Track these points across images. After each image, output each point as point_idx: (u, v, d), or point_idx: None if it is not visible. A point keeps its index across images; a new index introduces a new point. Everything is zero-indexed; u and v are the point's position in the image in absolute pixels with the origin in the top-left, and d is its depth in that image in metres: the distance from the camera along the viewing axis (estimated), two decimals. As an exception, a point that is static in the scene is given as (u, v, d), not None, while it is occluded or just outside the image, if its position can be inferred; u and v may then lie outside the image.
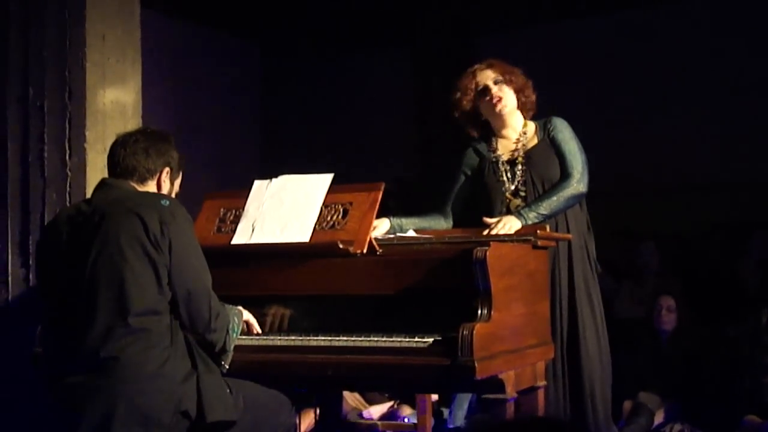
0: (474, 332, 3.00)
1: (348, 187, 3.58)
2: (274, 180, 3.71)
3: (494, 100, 4.04)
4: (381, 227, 3.82)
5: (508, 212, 3.93)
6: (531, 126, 4.13)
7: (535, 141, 4.08)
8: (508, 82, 4.05)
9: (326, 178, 3.61)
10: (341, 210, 3.52)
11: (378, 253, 3.41)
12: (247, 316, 3.41)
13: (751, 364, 5.53)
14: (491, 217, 3.85)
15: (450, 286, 3.27)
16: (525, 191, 3.99)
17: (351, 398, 5.93)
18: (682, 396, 5.71)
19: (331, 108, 9.12)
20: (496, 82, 4.05)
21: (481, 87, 4.05)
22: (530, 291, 3.50)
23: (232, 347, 3.21)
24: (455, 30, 8.51)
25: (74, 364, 3.01)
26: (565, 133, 4.05)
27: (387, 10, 8.22)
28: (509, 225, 3.72)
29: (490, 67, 4.08)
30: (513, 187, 4.02)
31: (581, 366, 3.94)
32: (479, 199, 4.09)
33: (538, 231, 3.61)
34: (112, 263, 2.98)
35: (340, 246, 3.37)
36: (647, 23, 7.85)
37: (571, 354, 3.95)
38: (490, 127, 4.17)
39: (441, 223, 4.13)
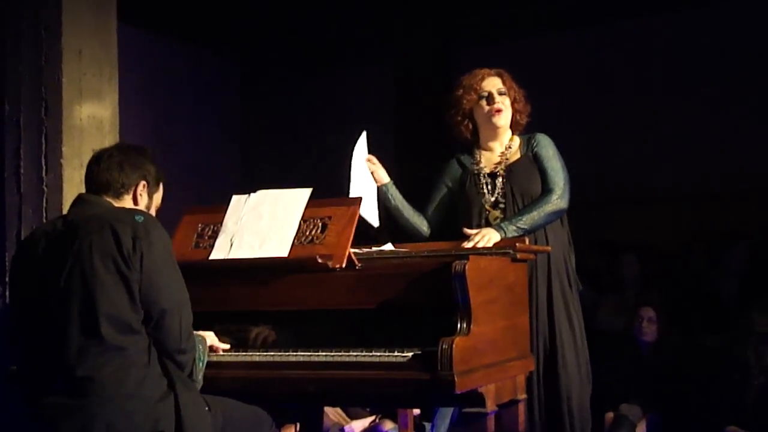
0: (453, 346, 2.98)
1: (326, 201, 3.57)
2: (252, 195, 3.69)
3: (493, 111, 4.07)
4: (382, 173, 4.12)
5: (487, 224, 3.95)
6: (516, 141, 4.16)
7: (518, 155, 4.10)
8: (511, 98, 4.10)
9: (305, 193, 3.60)
10: (320, 224, 3.51)
11: (357, 267, 3.40)
12: (211, 340, 3.37)
13: (731, 375, 5.54)
14: (470, 227, 3.86)
15: (429, 299, 3.26)
16: (504, 203, 4.01)
17: (332, 413, 5.91)
18: (663, 407, 5.72)
19: (311, 123, 9.10)
20: (500, 93, 4.10)
21: (485, 93, 4.09)
22: (510, 304, 3.50)
23: (199, 377, 3.16)
24: (436, 44, 8.52)
25: (50, 382, 2.97)
26: (548, 149, 4.07)
27: (367, 26, 8.23)
28: (488, 237, 3.73)
29: (499, 76, 4.13)
30: (492, 199, 4.04)
31: (558, 379, 3.95)
32: (459, 210, 4.11)
33: (518, 244, 3.61)
34: (84, 279, 2.95)
35: (319, 260, 3.35)
36: (631, 35, 7.87)
37: (548, 367, 3.96)
38: (476, 137, 4.16)
39: (423, 225, 4.18)
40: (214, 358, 3.34)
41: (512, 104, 4.11)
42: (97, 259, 2.96)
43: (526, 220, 3.86)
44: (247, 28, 8.26)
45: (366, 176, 4.10)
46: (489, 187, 4.06)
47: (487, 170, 4.10)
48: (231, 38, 8.52)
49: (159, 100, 8.10)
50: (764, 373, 5.39)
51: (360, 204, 3.53)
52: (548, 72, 8.01)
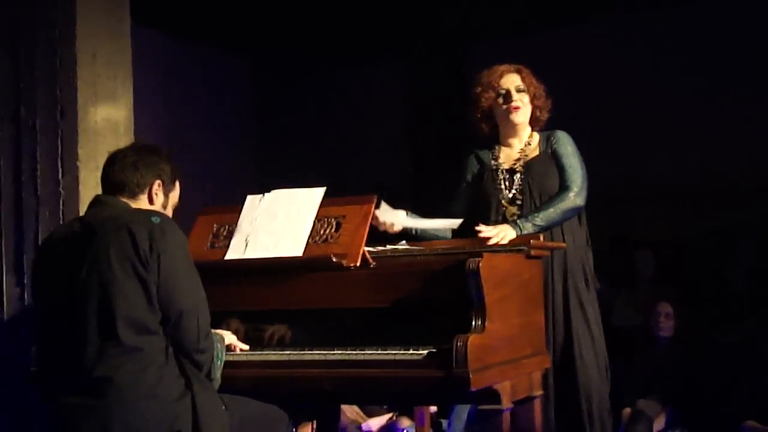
0: (468, 343, 2.99)
1: (340, 200, 3.58)
2: (266, 195, 3.70)
3: (511, 108, 4.06)
4: (400, 218, 3.87)
5: (504, 220, 3.94)
6: (536, 137, 4.15)
7: (537, 152, 4.10)
8: (530, 94, 4.09)
9: (318, 192, 3.61)
10: (334, 223, 3.52)
11: (371, 266, 3.41)
12: (229, 339, 3.38)
13: (748, 369, 5.53)
14: (486, 223, 3.85)
15: (444, 297, 3.26)
16: (521, 200, 4.00)
17: (350, 411, 5.93)
18: (681, 402, 5.70)
19: (326, 121, 9.12)
20: (518, 90, 4.08)
21: (503, 90, 4.08)
22: (525, 301, 3.50)
23: (218, 375, 3.18)
24: (449, 40, 8.52)
25: (69, 383, 3.00)
26: (567, 147, 4.06)
27: (380, 24, 8.23)
28: (503, 234, 3.72)
29: (518, 72, 4.11)
30: (510, 195, 4.03)
31: (577, 377, 3.93)
32: (476, 205, 4.10)
33: (532, 241, 3.61)
34: (101, 281, 2.97)
35: (334, 259, 3.37)
36: (648, 29, 7.86)
37: (566, 365, 3.95)
38: (496, 132, 4.17)
39: (455, 224, 4.06)
40: (231, 358, 3.36)
41: (531, 101, 4.09)
42: (114, 261, 2.98)
43: (543, 218, 3.86)
44: (259, 26, 8.27)
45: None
46: (507, 183, 4.05)
47: (505, 166, 4.10)
48: (244, 37, 8.54)
49: (173, 101, 8.13)
50: (782, 366, 5.39)
51: (374, 202, 3.53)
52: (563, 67, 7.98)
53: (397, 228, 3.88)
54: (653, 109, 7.74)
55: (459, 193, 4.20)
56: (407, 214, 3.93)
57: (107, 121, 4.32)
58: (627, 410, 5.68)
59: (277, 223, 3.58)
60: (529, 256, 3.55)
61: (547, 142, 4.09)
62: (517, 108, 4.06)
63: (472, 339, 3.02)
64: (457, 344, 3.00)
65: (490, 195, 4.07)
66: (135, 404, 2.90)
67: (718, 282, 6.82)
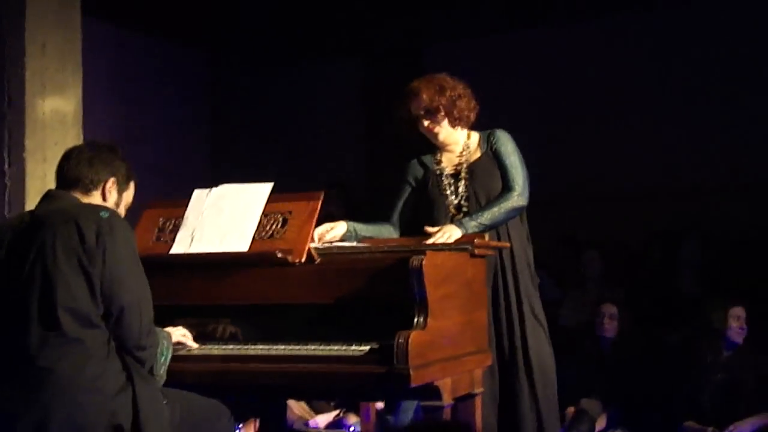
0: (409, 340, 3.03)
1: (287, 196, 3.59)
2: (213, 189, 3.71)
3: (429, 132, 4.09)
4: (338, 229, 3.85)
5: (451, 223, 3.97)
6: (474, 138, 4.16)
7: (478, 154, 4.11)
8: (438, 110, 4.03)
9: (266, 187, 3.62)
10: (280, 219, 3.54)
11: (316, 262, 3.43)
12: (177, 336, 3.38)
13: (690, 370, 5.62)
14: (433, 223, 3.89)
15: (388, 294, 3.30)
16: (467, 206, 4.03)
17: (297, 407, 5.94)
18: (623, 402, 5.78)
19: (281, 117, 9.11)
20: (427, 112, 4.04)
21: (414, 116, 4.07)
22: (468, 299, 3.54)
23: (161, 371, 3.18)
24: (406, 38, 8.55)
25: (9, 374, 2.99)
26: (507, 146, 4.09)
27: (338, 19, 8.24)
28: (449, 234, 3.76)
29: (416, 96, 4.04)
30: (456, 201, 4.05)
31: (537, 371, 3.99)
32: (422, 211, 4.11)
33: (476, 240, 3.65)
34: (45, 271, 2.97)
35: (279, 255, 3.39)
36: (598, 32, 7.93)
37: (515, 362, 4.00)
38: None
39: (391, 233, 4.13)
40: (175, 352, 3.36)
41: (447, 114, 4.04)
42: (60, 252, 2.98)
43: (487, 217, 3.90)
44: (215, 20, 8.25)
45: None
46: (452, 188, 4.07)
47: (448, 171, 4.11)
48: (199, 31, 8.50)
49: (126, 93, 8.06)
50: (721, 369, 5.47)
51: (321, 198, 3.55)
52: (515, 68, 8.08)
53: (338, 234, 3.87)
54: (603, 111, 7.83)
55: (400, 200, 4.19)
56: (347, 224, 3.93)
57: (55, 112, 4.30)
58: (570, 409, 5.74)
59: (223, 218, 3.59)
60: (473, 255, 3.59)
61: (487, 142, 4.11)
62: (431, 130, 4.07)
63: (414, 336, 3.06)
64: (398, 340, 3.04)
65: (435, 201, 4.08)
66: (75, 396, 2.90)
67: (664, 283, 6.92)
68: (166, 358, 3.22)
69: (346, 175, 8.34)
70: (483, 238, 3.76)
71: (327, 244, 3.73)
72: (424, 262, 3.18)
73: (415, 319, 3.16)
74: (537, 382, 4.00)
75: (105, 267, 2.98)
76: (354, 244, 3.82)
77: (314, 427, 5.79)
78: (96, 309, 2.98)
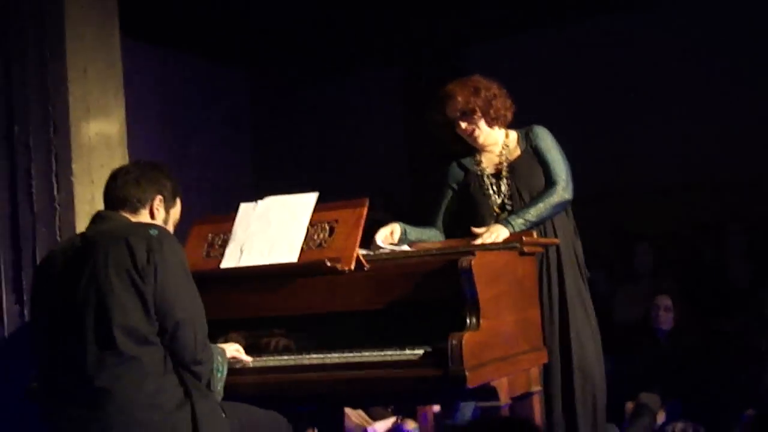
0: (463, 342, 3.02)
1: (333, 204, 3.60)
2: (259, 202, 3.73)
3: (467, 134, 4.06)
4: (396, 232, 3.88)
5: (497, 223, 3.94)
6: (513, 136, 4.13)
7: (518, 152, 4.09)
8: (474, 111, 4.01)
9: (311, 197, 3.64)
10: (327, 228, 3.55)
11: (365, 269, 3.43)
12: (231, 351, 3.39)
13: (748, 358, 5.55)
14: (479, 225, 3.88)
15: (439, 297, 3.29)
16: (511, 204, 4.00)
17: (354, 415, 5.94)
18: (682, 394, 5.72)
19: (323, 129, 9.14)
20: (463, 114, 4.03)
21: (451, 118, 4.05)
22: (519, 297, 3.52)
23: (219, 387, 3.20)
24: (444, 44, 8.54)
25: (69, 395, 3.03)
26: (547, 141, 4.05)
27: (374, 29, 8.25)
28: (497, 234, 3.74)
29: (452, 99, 4.02)
30: (500, 201, 4.02)
31: (579, 370, 3.94)
32: (466, 213, 4.08)
33: (524, 237, 3.63)
34: (98, 292, 3.00)
35: (328, 264, 3.39)
36: (637, 25, 7.88)
37: (567, 359, 3.96)
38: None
39: (437, 236, 4.12)
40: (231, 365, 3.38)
41: (483, 114, 4.02)
42: (112, 272, 3.01)
43: (533, 213, 3.87)
44: (253, 36, 8.29)
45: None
46: (494, 188, 4.04)
47: (489, 171, 4.08)
48: (238, 48, 8.55)
49: (168, 113, 8.15)
50: (778, 357, 5.40)
51: (366, 205, 3.55)
52: (558, 64, 8.03)
53: (394, 237, 3.89)
54: (651, 102, 7.76)
55: (442, 203, 4.17)
56: (400, 225, 3.94)
57: (100, 135, 4.34)
58: (630, 404, 5.69)
59: (271, 230, 3.61)
60: (522, 253, 3.57)
61: (526, 140, 4.08)
62: (471, 132, 4.05)
63: (467, 337, 3.05)
64: (452, 342, 3.03)
65: (479, 203, 4.05)
66: (135, 414, 2.93)
67: (714, 273, 6.84)
68: (222, 374, 3.24)
69: (389, 183, 8.35)
70: (531, 235, 3.73)
71: (392, 246, 3.72)
72: (473, 263, 3.17)
73: (468, 320, 3.15)
74: (576, 382, 3.93)
75: (157, 284, 3.01)
76: (405, 247, 3.81)
77: (372, 434, 5.78)
78: (151, 326, 3.01)
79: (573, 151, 4.13)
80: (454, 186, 4.17)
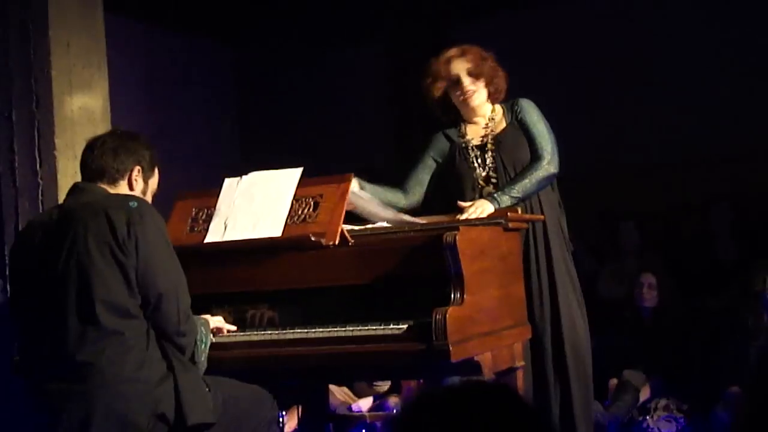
0: (447, 316, 3.02)
1: (317, 180, 3.59)
2: (244, 177, 3.71)
3: (466, 95, 4.01)
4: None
5: (481, 198, 3.94)
6: (498, 109, 4.11)
7: (504, 125, 4.06)
8: (480, 75, 4.00)
9: (296, 173, 3.62)
10: (312, 203, 3.53)
11: (350, 243, 3.42)
12: (215, 322, 3.39)
13: (732, 336, 5.57)
14: (463, 201, 3.87)
15: (423, 272, 3.29)
16: (496, 177, 3.98)
17: (339, 392, 5.95)
18: (666, 372, 5.75)
19: (308, 105, 9.12)
20: (469, 74, 4.00)
21: (453, 77, 4.01)
22: (504, 273, 3.52)
23: (202, 359, 3.19)
24: (429, 20, 8.51)
25: (52, 369, 3.02)
26: (532, 114, 4.03)
27: (360, 5, 8.22)
28: (482, 209, 3.74)
29: (463, 56, 4.02)
30: (484, 174, 4.01)
31: (568, 344, 3.94)
32: (450, 185, 4.07)
33: (509, 213, 3.63)
34: (79, 266, 2.98)
35: (312, 238, 3.38)
36: (620, 4, 7.87)
37: (556, 333, 3.95)
38: (456, 115, 4.15)
39: (399, 198, 4.07)
40: (215, 340, 3.38)
41: (485, 82, 4.02)
42: (93, 245, 2.99)
43: (519, 189, 3.85)
44: (237, 11, 8.25)
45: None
46: (479, 160, 4.02)
47: (475, 143, 4.05)
48: (222, 23, 8.51)
49: (153, 88, 8.10)
50: (764, 333, 5.42)
51: (351, 180, 3.54)
52: (544, 43, 8.02)
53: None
54: (632, 82, 7.76)
55: (417, 169, 4.13)
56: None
57: (83, 110, 4.32)
58: (613, 381, 5.72)
59: (255, 205, 3.59)
60: (506, 229, 3.57)
61: (511, 112, 4.06)
62: (471, 93, 4.01)
63: (451, 311, 3.05)
64: (436, 317, 3.03)
65: (463, 174, 4.02)
66: (117, 387, 2.92)
67: (700, 251, 6.86)
68: (206, 345, 3.23)
69: (374, 160, 8.33)
70: (516, 211, 3.73)
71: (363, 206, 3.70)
72: (458, 238, 3.17)
73: (452, 295, 3.15)
74: (568, 356, 3.92)
75: (139, 256, 3.00)
76: (384, 224, 3.76)
77: (357, 411, 5.80)
78: (133, 299, 3.00)
79: (557, 131, 4.10)
80: (437, 158, 4.13)
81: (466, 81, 4.00)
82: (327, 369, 3.49)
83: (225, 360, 3.35)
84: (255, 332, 3.48)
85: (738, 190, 7.00)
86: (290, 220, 3.51)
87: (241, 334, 3.48)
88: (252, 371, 3.38)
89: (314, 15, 8.33)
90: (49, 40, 4.23)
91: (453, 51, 4.06)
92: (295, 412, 5.08)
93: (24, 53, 4.26)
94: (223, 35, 8.88)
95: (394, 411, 5.65)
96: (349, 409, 5.81)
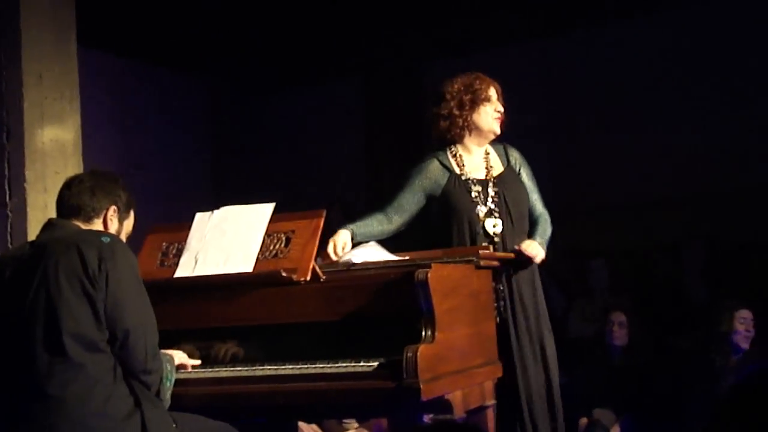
0: (418, 354, 3.01)
1: (290, 215, 3.58)
2: (215, 212, 3.70)
3: (500, 117, 4.11)
4: (344, 237, 3.83)
5: (485, 232, 3.94)
6: (491, 149, 4.16)
7: (501, 167, 4.11)
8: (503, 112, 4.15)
9: (268, 208, 3.61)
10: (284, 238, 3.53)
11: (321, 280, 3.42)
12: (179, 359, 3.36)
13: (702, 376, 5.58)
14: (461, 235, 3.93)
15: (394, 309, 3.28)
16: (499, 213, 3.99)
17: (308, 429, 5.90)
18: (636, 411, 5.75)
19: (281, 139, 9.13)
20: (498, 100, 4.15)
21: (493, 98, 4.11)
22: (475, 311, 3.52)
23: (167, 396, 3.17)
24: (405, 57, 8.57)
25: (19, 401, 2.98)
26: (528, 168, 4.18)
27: (335, 41, 8.26)
28: (537, 251, 3.92)
29: (496, 89, 4.17)
30: (485, 210, 3.99)
31: (549, 385, 3.95)
32: (442, 216, 4.02)
33: (481, 251, 3.63)
34: (48, 298, 2.96)
35: (284, 274, 3.37)
36: (593, 43, 7.94)
37: (546, 375, 3.96)
38: (455, 137, 4.11)
39: (381, 223, 4.02)
40: (182, 376, 3.35)
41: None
42: (63, 278, 2.97)
43: (544, 236, 4.06)
44: (213, 46, 8.27)
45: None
46: (481, 196, 4.01)
47: (475, 176, 4.05)
48: (198, 58, 8.52)
49: (126, 122, 8.09)
50: (731, 373, 5.44)
51: (323, 216, 3.54)
52: (516, 83, 8.05)
53: (345, 248, 3.83)
54: (605, 121, 7.83)
55: (406, 194, 4.05)
56: (347, 229, 3.91)
57: (55, 142, 4.30)
58: (583, 420, 5.71)
59: (226, 240, 3.58)
60: (478, 267, 3.57)
61: (506, 157, 4.13)
62: (500, 119, 4.11)
63: (422, 349, 3.04)
64: (407, 354, 3.02)
65: (462, 207, 3.99)
66: (84, 422, 2.89)
67: (671, 290, 6.90)
68: (171, 382, 3.21)
69: (347, 194, 8.34)
70: (488, 248, 3.74)
71: (347, 255, 3.70)
72: (429, 275, 3.16)
73: (423, 333, 3.14)
74: (556, 399, 3.95)
75: (108, 291, 2.98)
76: (376, 249, 3.74)
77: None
78: (101, 334, 2.98)
79: (531, 168, 4.17)
80: (429, 186, 4.05)
81: (498, 114, 4.12)
82: (296, 406, 3.45)
83: (192, 396, 3.32)
84: (224, 368, 3.45)
85: (710, 230, 7.05)
86: (261, 255, 3.50)
87: (210, 370, 3.45)
88: (220, 408, 3.34)
89: (290, 49, 8.36)
90: (22, 71, 4.22)
91: (490, 79, 4.20)
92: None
93: (-5, 84, 4.25)
94: (199, 68, 8.89)
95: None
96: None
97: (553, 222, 4.16)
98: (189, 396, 3.30)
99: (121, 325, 2.99)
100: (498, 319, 3.82)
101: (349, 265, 3.60)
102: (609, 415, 5.73)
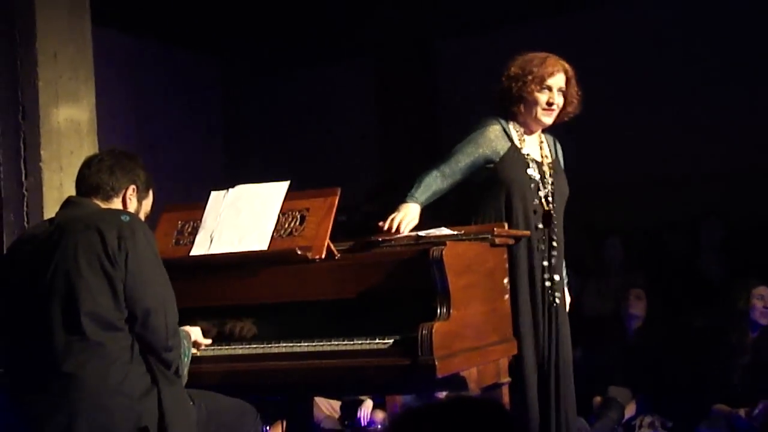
0: (433, 331, 3.01)
1: (304, 193, 3.58)
2: (230, 190, 3.70)
3: (549, 109, 3.94)
4: (412, 213, 3.68)
5: (542, 213, 3.88)
6: (545, 138, 4.09)
7: (553, 156, 4.06)
8: (566, 100, 3.99)
9: (282, 186, 3.61)
10: (298, 217, 3.53)
11: (336, 258, 3.42)
12: (194, 335, 3.37)
13: (717, 353, 5.58)
14: (510, 210, 3.81)
15: (410, 287, 3.28)
16: (553, 203, 3.92)
17: (325, 406, 5.94)
18: (651, 388, 5.75)
19: (294, 118, 9.12)
20: (560, 91, 3.97)
21: (547, 86, 3.93)
22: (490, 288, 3.52)
23: (185, 372, 3.18)
24: (416, 35, 8.54)
25: (36, 381, 2.99)
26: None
27: (346, 20, 8.24)
28: None
29: (565, 74, 3.99)
30: (543, 193, 3.92)
31: (565, 363, 3.92)
32: (491, 185, 3.88)
33: (496, 229, 3.61)
34: (67, 277, 2.97)
35: (299, 252, 3.37)
36: (610, 21, 7.90)
37: (553, 349, 3.90)
38: (507, 108, 3.98)
39: (440, 185, 3.84)
40: (199, 353, 3.37)
41: (564, 106, 4.00)
42: (82, 257, 2.98)
43: None
44: (225, 25, 8.26)
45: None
46: (542, 180, 3.92)
47: (534, 157, 3.96)
48: (210, 36, 8.52)
49: (139, 100, 8.10)
50: (748, 351, 5.43)
51: (338, 194, 3.53)
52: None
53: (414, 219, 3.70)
54: (621, 98, 7.78)
55: (462, 161, 3.85)
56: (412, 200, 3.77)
57: (70, 121, 4.30)
58: (598, 398, 5.71)
59: (241, 218, 3.58)
60: (493, 245, 3.56)
61: (555, 150, 4.09)
62: (552, 110, 3.95)
63: (437, 326, 3.04)
64: (422, 332, 3.02)
65: (523, 183, 3.86)
66: (100, 401, 2.90)
67: (687, 268, 6.87)
68: (188, 357, 3.22)
69: (359, 174, 8.33)
70: (503, 226, 3.72)
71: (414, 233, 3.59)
72: (444, 252, 3.16)
73: (438, 310, 3.14)
74: (566, 375, 3.92)
75: (128, 271, 2.98)
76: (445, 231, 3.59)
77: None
78: (120, 313, 2.98)
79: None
80: (488, 153, 3.88)
81: (556, 96, 3.95)
82: (312, 384, 3.48)
83: (209, 373, 3.34)
84: (239, 346, 3.46)
85: (727, 208, 7.01)
86: (276, 233, 3.51)
87: (226, 347, 3.46)
88: (236, 385, 3.36)
89: (302, 29, 8.35)
90: (36, 50, 4.22)
91: (560, 62, 4.00)
92: (280, 426, 5.07)
93: (11, 63, 4.24)
94: (211, 48, 8.89)
95: (379, 426, 5.65)
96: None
97: (568, 200, 4.12)
98: (205, 373, 3.31)
99: (141, 304, 3.00)
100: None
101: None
102: (624, 392, 5.73)
